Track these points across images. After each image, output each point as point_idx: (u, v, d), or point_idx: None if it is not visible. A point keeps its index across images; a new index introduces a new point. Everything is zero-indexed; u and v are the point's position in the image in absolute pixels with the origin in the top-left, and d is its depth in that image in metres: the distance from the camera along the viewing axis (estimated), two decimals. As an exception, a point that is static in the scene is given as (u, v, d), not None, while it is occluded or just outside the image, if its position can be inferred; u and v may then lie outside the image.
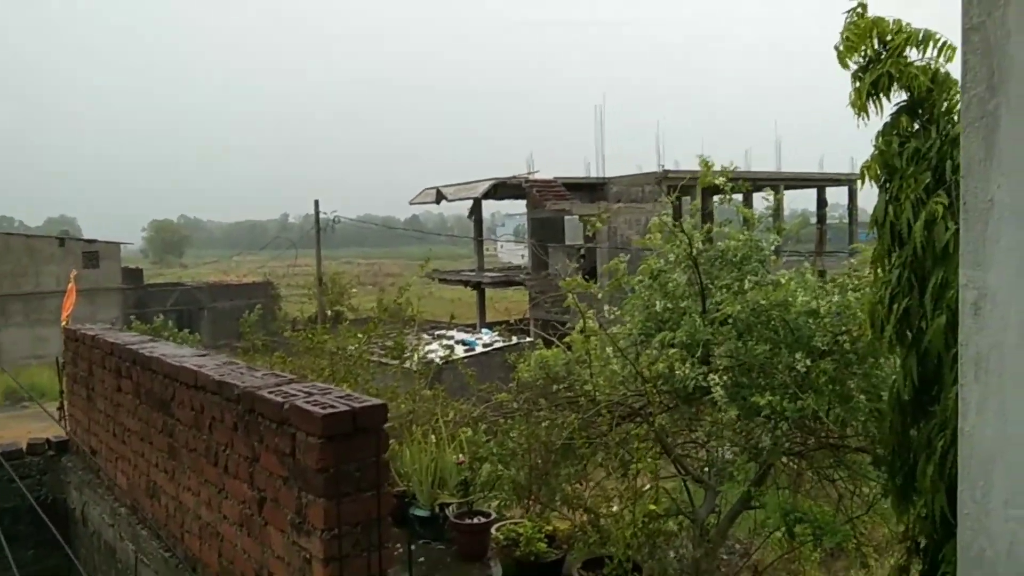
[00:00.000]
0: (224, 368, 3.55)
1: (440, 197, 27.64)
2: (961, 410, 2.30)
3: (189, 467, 3.70)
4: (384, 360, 9.16)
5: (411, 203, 29.85)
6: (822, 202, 31.53)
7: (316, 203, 25.38)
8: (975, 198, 2.23)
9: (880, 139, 3.80)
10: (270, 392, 3.01)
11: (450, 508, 4.09)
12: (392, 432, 4.86)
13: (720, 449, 6.07)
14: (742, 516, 7.60)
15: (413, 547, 3.89)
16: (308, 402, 2.80)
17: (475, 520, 3.93)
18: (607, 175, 27.52)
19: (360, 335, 7.53)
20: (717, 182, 6.40)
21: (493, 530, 3.76)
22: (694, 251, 6.03)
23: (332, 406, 2.71)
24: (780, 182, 27.56)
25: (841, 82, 3.97)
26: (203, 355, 4.02)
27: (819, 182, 30.61)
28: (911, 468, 4.02)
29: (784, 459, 5.96)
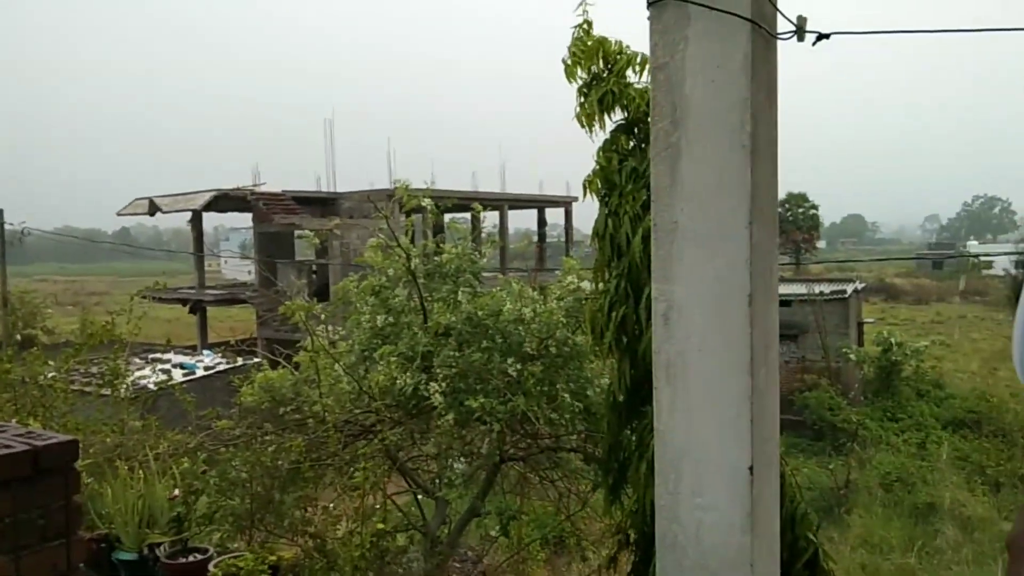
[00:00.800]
0: None
1: (154, 208, 25.49)
2: (656, 411, 2.54)
3: None
4: (87, 389, 8.18)
5: (119, 214, 27.21)
6: (542, 222, 33.71)
7: None
8: (662, 220, 2.49)
9: (601, 155, 4.07)
10: (-74, 434, 2.53)
11: (161, 548, 3.73)
12: (94, 470, 4.35)
13: (449, 460, 6.22)
14: (475, 524, 7.85)
15: (117, 596, 3.49)
16: (-23, 443, 2.40)
17: (190, 558, 3.63)
18: (339, 190, 27.15)
19: (51, 362, 6.66)
20: (424, 203, 6.58)
21: (211, 567, 3.49)
22: (412, 266, 6.15)
23: (7, 446, 2.35)
24: (504, 202, 29.05)
25: (559, 114, 4.21)
26: None
27: (540, 203, 32.69)
28: (623, 465, 4.36)
29: (508, 465, 6.24)
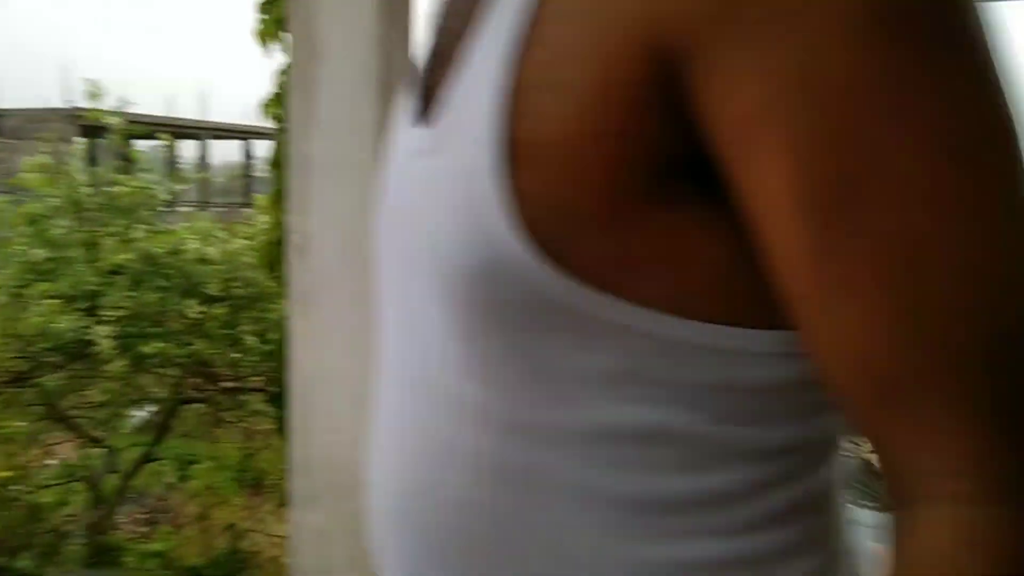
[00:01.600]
0: None
1: None
2: (291, 341, 2.60)
3: None
4: None
5: None
6: (249, 155, 32.01)
7: None
8: (298, 153, 2.50)
9: (279, 78, 3.92)
10: None
11: None
12: None
13: (120, 408, 5.90)
14: (155, 472, 7.47)
15: None
16: None
17: None
18: (3, 107, 23.53)
19: None
20: (112, 121, 6.06)
21: None
22: (80, 195, 5.66)
23: None
24: (207, 131, 27.10)
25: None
26: None
27: (246, 135, 30.93)
28: (299, 401, 4.41)
29: (187, 408, 6.06)
